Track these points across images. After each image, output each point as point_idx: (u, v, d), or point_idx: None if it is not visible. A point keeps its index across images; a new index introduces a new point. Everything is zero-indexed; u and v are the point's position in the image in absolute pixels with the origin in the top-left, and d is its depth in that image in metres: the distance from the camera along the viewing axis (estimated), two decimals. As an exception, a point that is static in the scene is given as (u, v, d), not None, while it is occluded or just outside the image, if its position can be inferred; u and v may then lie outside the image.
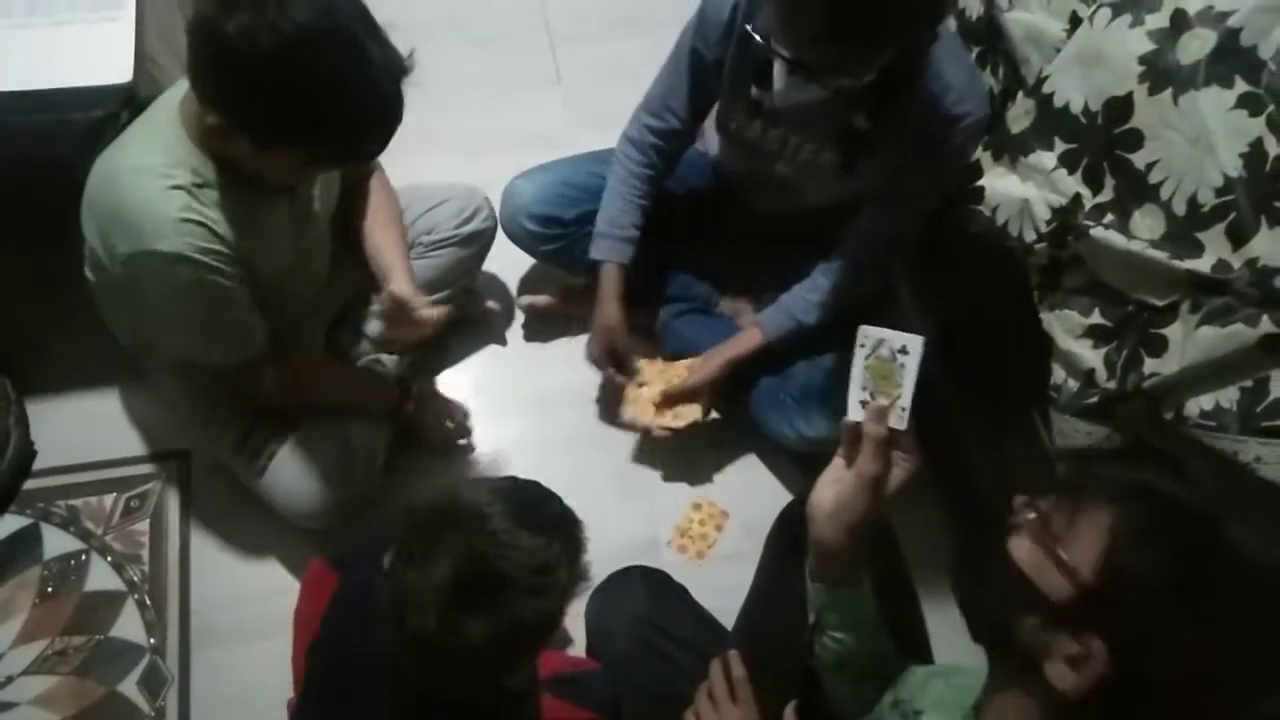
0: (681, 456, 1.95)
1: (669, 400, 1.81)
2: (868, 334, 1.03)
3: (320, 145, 1.27)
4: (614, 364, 1.85)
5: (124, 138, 1.37)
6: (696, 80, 1.64)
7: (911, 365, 1.02)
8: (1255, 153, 1.11)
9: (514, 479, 1.15)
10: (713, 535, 1.87)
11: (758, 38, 1.34)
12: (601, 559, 1.64)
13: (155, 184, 1.29)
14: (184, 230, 1.30)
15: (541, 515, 1.07)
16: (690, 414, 1.81)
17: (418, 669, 1.07)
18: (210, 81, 1.21)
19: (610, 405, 1.96)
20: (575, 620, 1.59)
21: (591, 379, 2.00)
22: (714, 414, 1.88)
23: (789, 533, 1.49)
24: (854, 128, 1.48)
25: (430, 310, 1.57)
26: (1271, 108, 1.10)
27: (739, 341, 1.80)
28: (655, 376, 1.83)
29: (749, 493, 1.93)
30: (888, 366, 1.03)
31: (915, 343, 1.02)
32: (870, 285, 1.75)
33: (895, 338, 1.02)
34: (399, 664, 1.08)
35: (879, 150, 1.51)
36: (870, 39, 1.24)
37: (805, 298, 1.73)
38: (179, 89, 1.35)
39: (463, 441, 1.89)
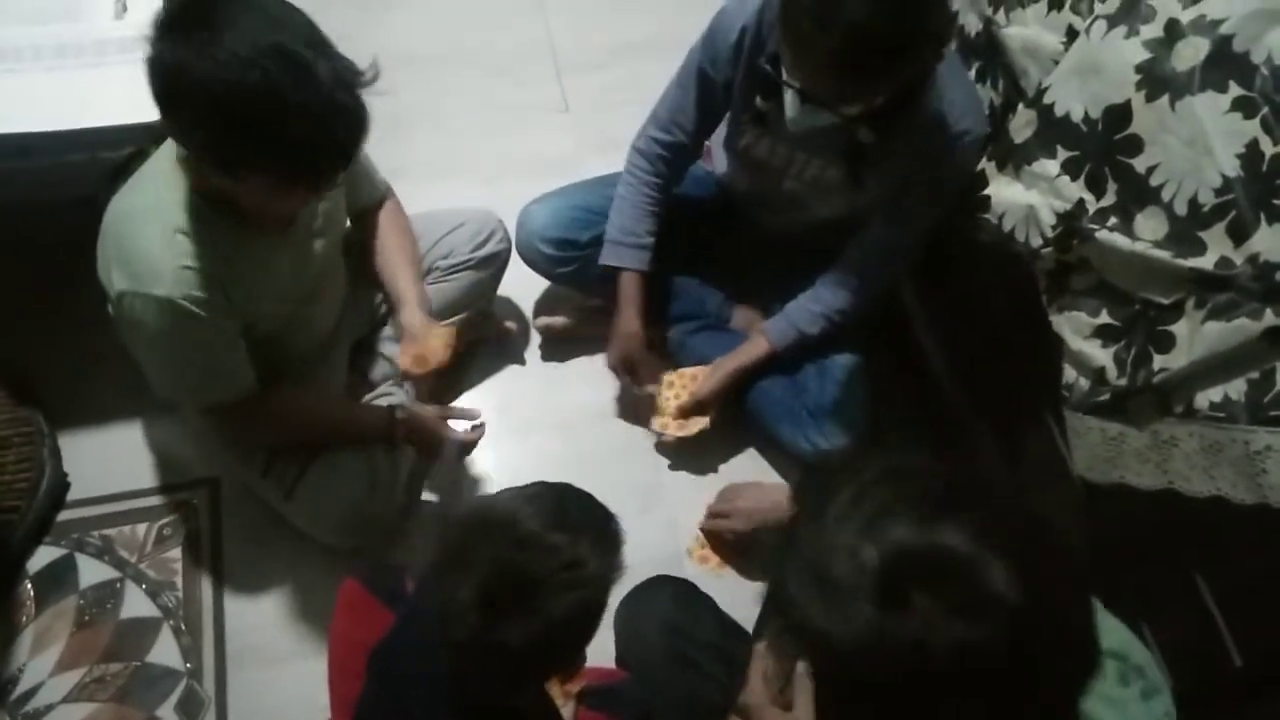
0: (690, 465, 1.99)
1: (681, 411, 1.86)
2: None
3: (282, 164, 1.23)
4: (630, 372, 1.90)
5: (133, 180, 1.40)
6: (703, 98, 1.69)
7: None
8: (1251, 153, 1.15)
9: (544, 484, 1.16)
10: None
11: (770, 69, 1.40)
12: (627, 572, 1.69)
13: (157, 227, 1.32)
14: (181, 278, 1.33)
15: (570, 514, 1.10)
16: (699, 423, 1.88)
17: (470, 677, 1.10)
18: (166, 114, 1.21)
19: (627, 410, 2.03)
20: (601, 633, 1.61)
21: (609, 397, 2.04)
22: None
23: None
24: (859, 142, 1.52)
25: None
26: (1265, 110, 1.14)
27: (745, 351, 1.85)
28: (682, 387, 1.89)
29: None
30: None
31: None
32: (872, 296, 1.79)
33: None
34: (457, 677, 1.12)
35: (884, 164, 1.56)
36: (882, 70, 1.30)
37: (809, 309, 1.78)
38: None
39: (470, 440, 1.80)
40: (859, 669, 0.71)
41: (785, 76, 1.38)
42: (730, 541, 1.85)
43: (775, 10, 1.40)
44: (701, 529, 1.88)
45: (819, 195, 1.73)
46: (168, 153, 1.37)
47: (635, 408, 1.99)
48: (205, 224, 1.35)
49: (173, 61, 1.14)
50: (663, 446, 1.99)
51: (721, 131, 1.81)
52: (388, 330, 1.89)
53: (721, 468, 1.99)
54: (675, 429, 1.88)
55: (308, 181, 1.27)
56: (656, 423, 1.90)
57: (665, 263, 1.89)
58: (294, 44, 1.16)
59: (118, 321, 1.43)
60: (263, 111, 1.15)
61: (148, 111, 1.55)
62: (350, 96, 1.20)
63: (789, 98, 1.41)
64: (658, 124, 1.77)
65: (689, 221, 1.93)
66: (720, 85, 1.64)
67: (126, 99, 1.57)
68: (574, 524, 1.08)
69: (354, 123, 1.22)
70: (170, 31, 1.15)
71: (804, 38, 1.28)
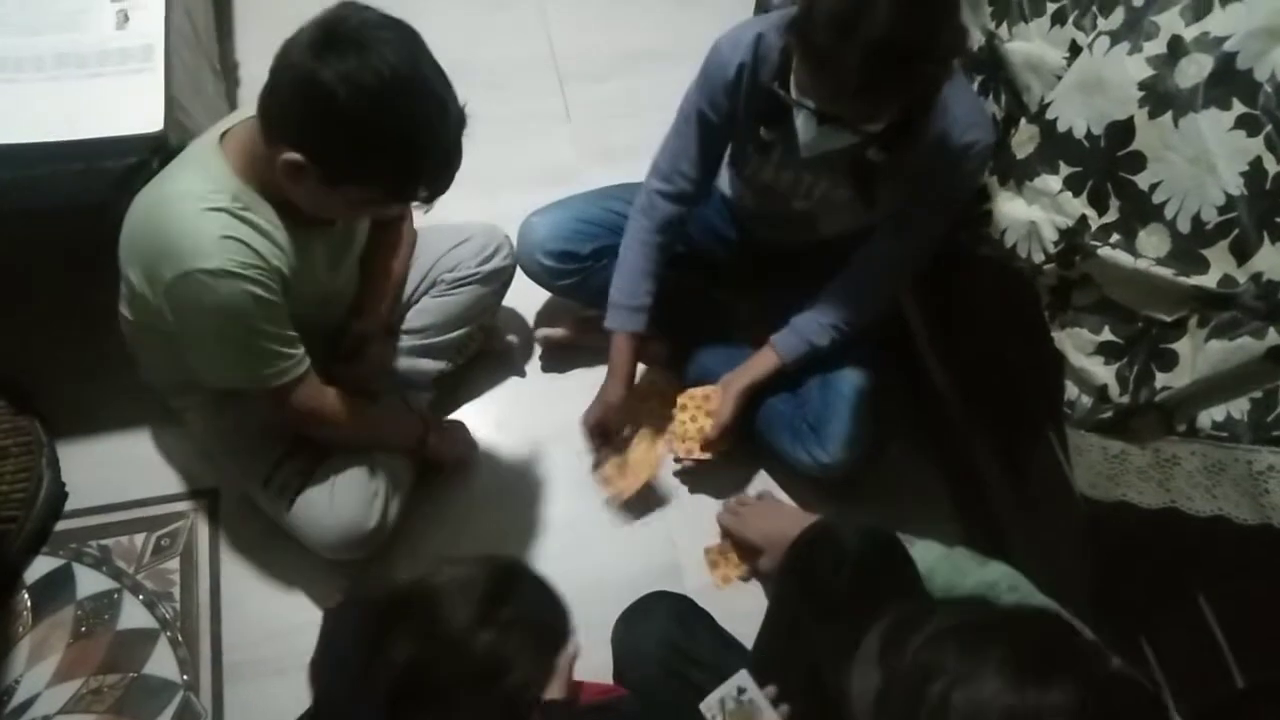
0: (697, 483, 1.98)
1: (708, 443, 1.83)
2: (709, 706, 1.27)
3: (395, 185, 1.32)
4: (603, 437, 1.90)
5: (164, 173, 1.41)
6: (705, 140, 1.67)
7: (756, 694, 1.25)
8: (1255, 171, 1.13)
9: (488, 564, 1.06)
10: (742, 568, 1.87)
11: (783, 94, 1.38)
12: (623, 585, 1.70)
13: (195, 206, 1.33)
14: (227, 247, 1.33)
15: (505, 607, 1.00)
16: (720, 443, 1.85)
17: None
18: (303, 125, 1.25)
19: (592, 471, 1.98)
20: (599, 648, 1.61)
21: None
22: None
23: (802, 563, 1.51)
24: (868, 160, 1.51)
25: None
26: (1269, 127, 1.13)
27: (754, 366, 1.83)
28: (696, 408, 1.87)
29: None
30: (745, 712, 1.26)
31: (743, 678, 1.26)
32: (879, 306, 1.78)
33: (728, 689, 1.27)
34: None
35: (892, 180, 1.55)
36: (903, 83, 1.30)
37: (818, 320, 1.77)
38: (220, 126, 1.41)
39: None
40: None
41: (798, 99, 1.37)
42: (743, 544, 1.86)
43: (784, 36, 1.40)
44: (719, 521, 1.90)
45: (828, 213, 1.72)
46: (207, 148, 1.38)
47: (600, 471, 1.96)
48: (251, 209, 1.36)
49: (337, 78, 1.19)
50: (682, 472, 1.97)
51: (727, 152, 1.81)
52: (402, 342, 1.88)
53: (727, 483, 1.98)
54: (699, 452, 1.85)
55: (400, 201, 1.37)
56: (682, 448, 1.86)
57: (674, 279, 1.87)
58: (432, 78, 1.27)
59: (171, 313, 1.40)
60: (411, 138, 1.25)
61: (149, 122, 1.58)
62: (461, 134, 1.31)
63: (802, 121, 1.39)
64: (659, 175, 1.74)
65: (696, 239, 1.93)
66: (721, 125, 1.63)
67: (128, 110, 1.59)
68: (507, 620, 0.99)
69: (460, 158, 1.34)
70: (323, 49, 1.20)
71: (825, 57, 1.27)
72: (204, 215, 1.32)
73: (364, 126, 1.23)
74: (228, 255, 1.33)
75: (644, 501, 1.93)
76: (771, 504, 1.89)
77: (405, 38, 1.25)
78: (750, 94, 1.56)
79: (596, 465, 1.95)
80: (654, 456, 1.90)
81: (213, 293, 1.34)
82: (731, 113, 1.60)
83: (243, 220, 1.35)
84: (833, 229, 1.77)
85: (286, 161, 1.27)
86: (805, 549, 1.49)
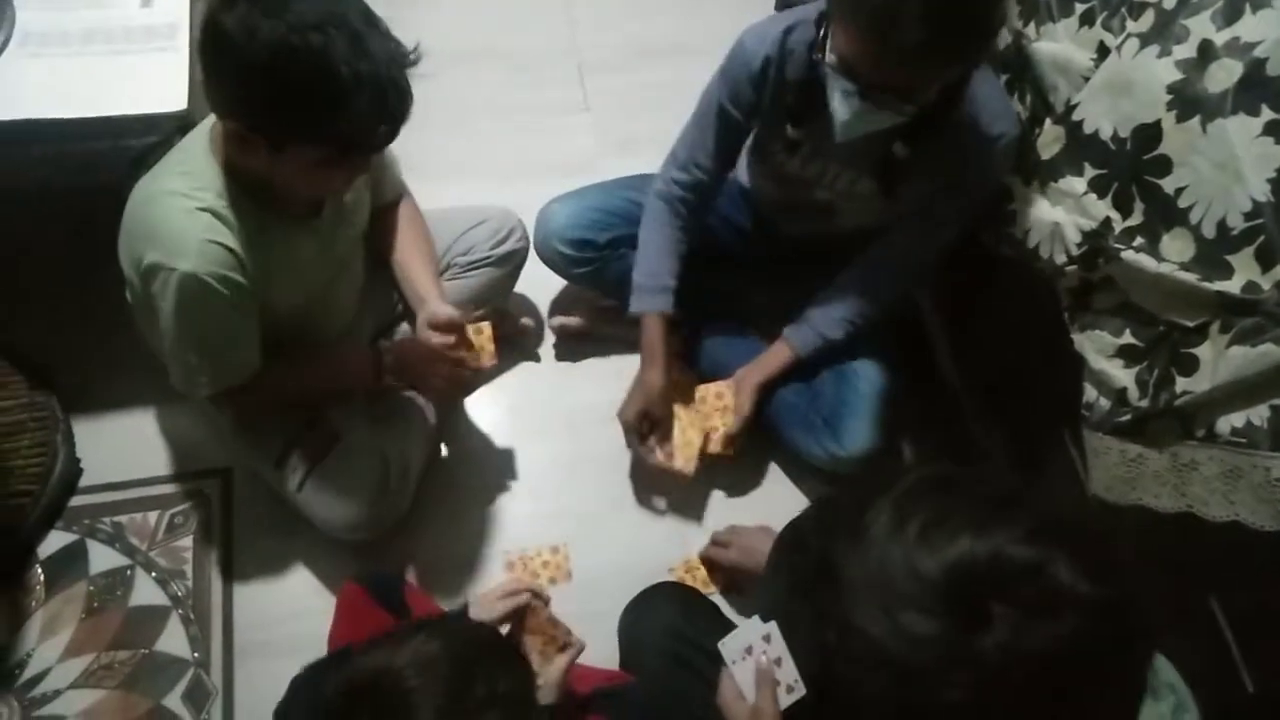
0: (708, 478, 1.96)
1: (730, 440, 1.82)
2: (731, 649, 1.03)
3: (328, 135, 1.27)
4: (645, 430, 1.83)
5: (161, 163, 1.42)
6: (723, 134, 1.67)
7: (780, 645, 0.98)
8: (1282, 178, 1.14)
9: (455, 634, 1.04)
10: (710, 587, 1.84)
11: (824, 69, 1.36)
12: (632, 576, 1.70)
13: (182, 204, 1.34)
14: (206, 252, 1.34)
15: (476, 689, 0.98)
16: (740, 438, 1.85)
17: None
18: (219, 80, 1.25)
19: (638, 472, 1.95)
20: (606, 637, 1.62)
21: (620, 398, 2.03)
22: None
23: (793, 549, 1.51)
24: (893, 156, 1.51)
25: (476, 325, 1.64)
26: (1297, 134, 1.14)
27: (769, 361, 1.83)
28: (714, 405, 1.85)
29: (774, 506, 1.94)
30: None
31: (772, 627, 0.99)
32: (893, 301, 1.78)
33: (755, 635, 1.01)
34: None
35: (916, 176, 1.55)
36: (954, 52, 1.29)
37: (831, 314, 1.77)
38: (211, 118, 1.39)
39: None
40: (931, 688, 0.69)
41: (839, 79, 1.34)
42: (723, 573, 1.83)
43: (830, 7, 1.34)
44: (701, 557, 1.84)
45: (848, 205, 1.71)
46: (199, 137, 1.39)
47: (645, 471, 1.91)
48: (234, 205, 1.37)
49: (239, 24, 1.17)
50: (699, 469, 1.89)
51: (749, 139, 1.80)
52: (404, 327, 1.88)
53: (737, 477, 1.98)
54: (712, 446, 1.83)
55: (353, 153, 1.33)
56: (716, 441, 1.82)
57: (694, 271, 1.85)
58: (353, 17, 1.22)
59: (139, 300, 1.44)
60: (325, 76, 1.20)
61: (173, 101, 1.58)
62: (400, 73, 1.26)
63: (839, 101, 1.35)
64: (676, 164, 1.73)
65: (712, 228, 1.92)
66: (742, 119, 1.63)
67: (152, 88, 1.59)
68: (475, 707, 0.97)
69: (403, 97, 1.27)
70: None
71: (882, 18, 1.22)
72: (189, 215, 1.34)
73: (270, 76, 1.19)
74: (205, 261, 1.34)
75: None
76: (760, 532, 1.77)
77: None
78: (776, 89, 1.55)
79: (646, 457, 1.85)
80: (694, 435, 1.84)
81: (180, 292, 1.36)
82: (754, 107, 1.60)
83: (226, 223, 1.35)
84: (851, 222, 1.76)
85: (231, 133, 1.27)
86: (795, 534, 1.49)
